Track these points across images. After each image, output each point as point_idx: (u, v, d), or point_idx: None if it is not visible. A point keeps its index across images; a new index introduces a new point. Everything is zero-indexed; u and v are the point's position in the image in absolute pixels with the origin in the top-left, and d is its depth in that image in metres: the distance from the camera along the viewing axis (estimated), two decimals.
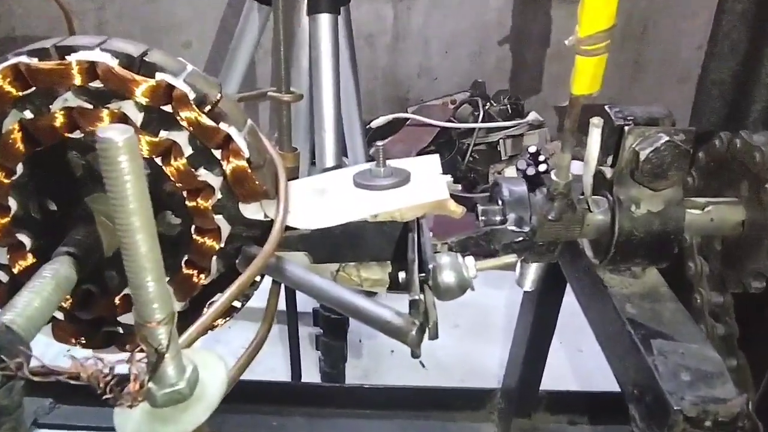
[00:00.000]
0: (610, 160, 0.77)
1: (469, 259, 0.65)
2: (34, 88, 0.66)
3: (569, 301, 0.95)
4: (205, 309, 0.76)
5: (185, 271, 0.75)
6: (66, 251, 0.66)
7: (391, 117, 2.36)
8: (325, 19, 1.54)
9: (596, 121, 0.73)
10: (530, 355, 1.15)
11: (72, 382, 0.46)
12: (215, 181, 0.71)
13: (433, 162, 0.84)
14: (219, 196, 0.72)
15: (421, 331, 0.60)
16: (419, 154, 2.24)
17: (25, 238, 0.73)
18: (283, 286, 0.76)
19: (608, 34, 0.64)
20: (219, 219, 0.73)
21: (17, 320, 0.55)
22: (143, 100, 0.66)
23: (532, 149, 2.11)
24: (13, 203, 0.72)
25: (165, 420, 0.51)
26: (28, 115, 0.67)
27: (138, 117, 0.67)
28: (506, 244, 0.77)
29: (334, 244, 0.75)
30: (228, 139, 0.68)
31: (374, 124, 2.34)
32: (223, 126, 0.68)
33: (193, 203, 0.72)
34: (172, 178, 0.70)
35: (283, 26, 0.82)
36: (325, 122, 1.56)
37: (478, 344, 1.81)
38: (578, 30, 0.64)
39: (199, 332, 0.60)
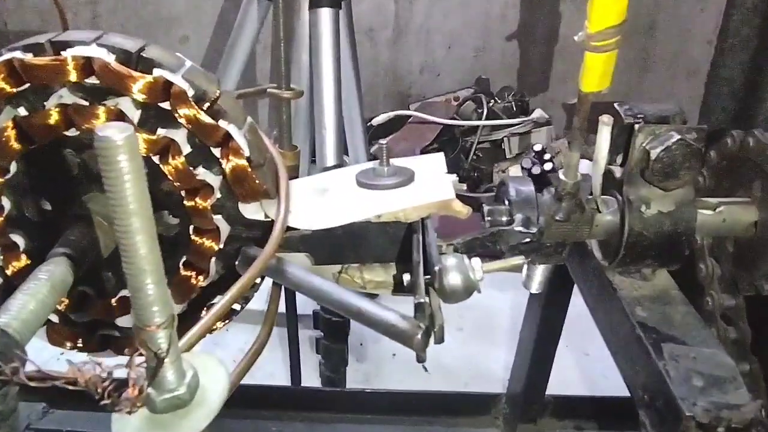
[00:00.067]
0: (619, 159, 0.76)
1: (476, 261, 0.65)
2: (28, 85, 0.66)
3: (574, 302, 0.94)
4: (204, 311, 0.75)
5: (183, 272, 0.74)
6: (61, 252, 0.66)
7: (392, 114, 2.35)
8: (326, 14, 1.53)
9: (606, 119, 0.73)
10: (536, 358, 1.14)
11: (69, 387, 0.45)
12: (214, 180, 0.70)
13: (438, 160, 0.83)
14: (218, 195, 0.71)
15: (427, 334, 0.59)
16: (422, 152, 2.22)
17: (18, 239, 0.72)
18: (282, 287, 0.75)
19: (619, 29, 0.62)
20: (218, 219, 0.72)
21: (12, 324, 0.54)
22: (140, 97, 0.65)
23: (538, 147, 2.09)
24: (6, 203, 0.71)
25: (164, 426, 0.50)
26: (22, 112, 0.66)
27: (135, 114, 0.66)
28: (513, 246, 0.76)
29: (337, 245, 0.74)
30: (227, 137, 0.68)
31: (375, 121, 2.33)
32: (222, 123, 0.67)
33: (192, 203, 0.71)
34: (170, 177, 0.69)
35: (283, 21, 0.82)
36: (326, 119, 1.55)
37: (483, 348, 1.80)
38: (588, 25, 0.63)
39: (198, 336, 0.59)
